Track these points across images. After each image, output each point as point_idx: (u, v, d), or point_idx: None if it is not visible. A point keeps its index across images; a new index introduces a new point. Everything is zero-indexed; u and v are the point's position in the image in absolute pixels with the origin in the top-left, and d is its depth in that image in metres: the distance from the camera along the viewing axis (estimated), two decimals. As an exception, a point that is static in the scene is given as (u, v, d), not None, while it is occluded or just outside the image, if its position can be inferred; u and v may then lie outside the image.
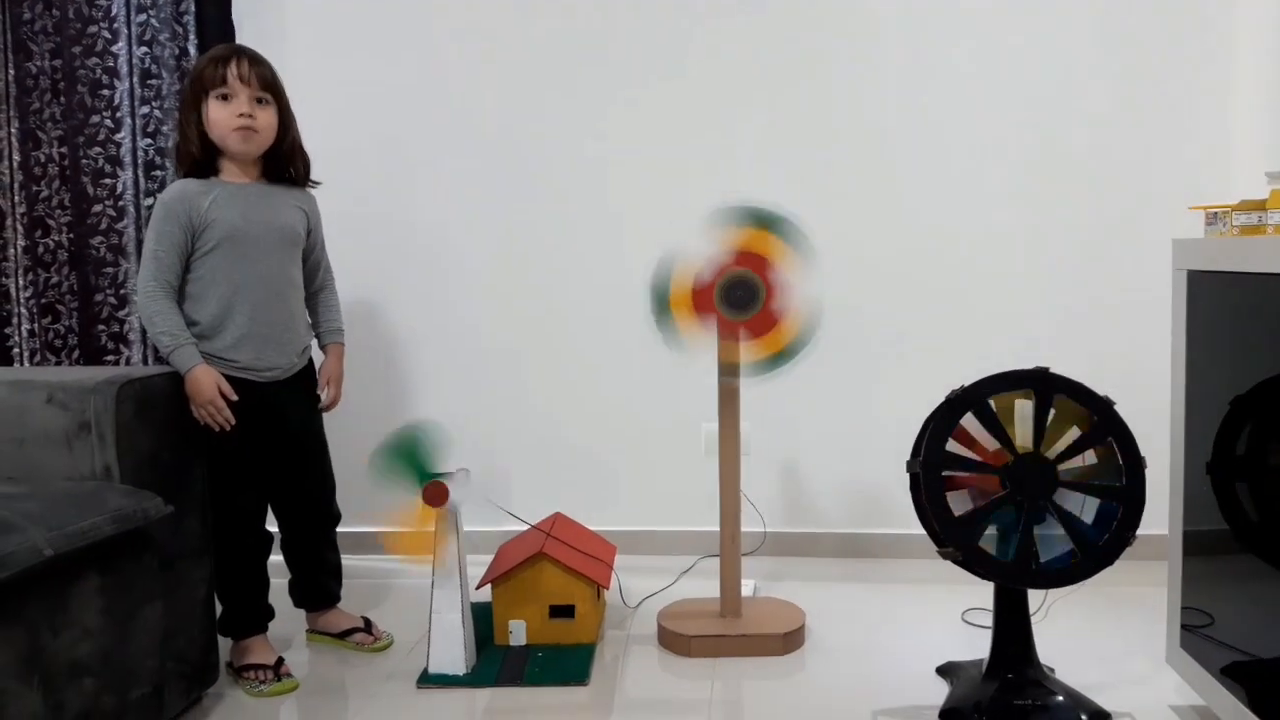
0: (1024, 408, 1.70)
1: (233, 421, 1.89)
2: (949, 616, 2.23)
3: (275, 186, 2.03)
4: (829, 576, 2.54)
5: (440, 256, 2.71)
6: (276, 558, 2.11)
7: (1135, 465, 1.67)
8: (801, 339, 2.04)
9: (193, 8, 2.54)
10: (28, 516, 1.43)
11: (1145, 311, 2.47)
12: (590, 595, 2.10)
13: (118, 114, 2.54)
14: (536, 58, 2.64)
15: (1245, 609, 1.52)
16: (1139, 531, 1.66)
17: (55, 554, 1.41)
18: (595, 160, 2.65)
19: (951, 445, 1.71)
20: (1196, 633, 1.66)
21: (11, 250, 2.57)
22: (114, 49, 2.53)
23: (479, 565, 2.17)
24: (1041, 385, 1.69)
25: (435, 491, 1.93)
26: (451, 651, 1.97)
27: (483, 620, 2.10)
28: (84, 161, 2.54)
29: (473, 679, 1.97)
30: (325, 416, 2.15)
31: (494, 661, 2.03)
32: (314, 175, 2.10)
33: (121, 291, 2.57)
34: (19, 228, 2.56)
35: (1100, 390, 1.70)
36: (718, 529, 2.15)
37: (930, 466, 1.69)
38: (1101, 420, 1.68)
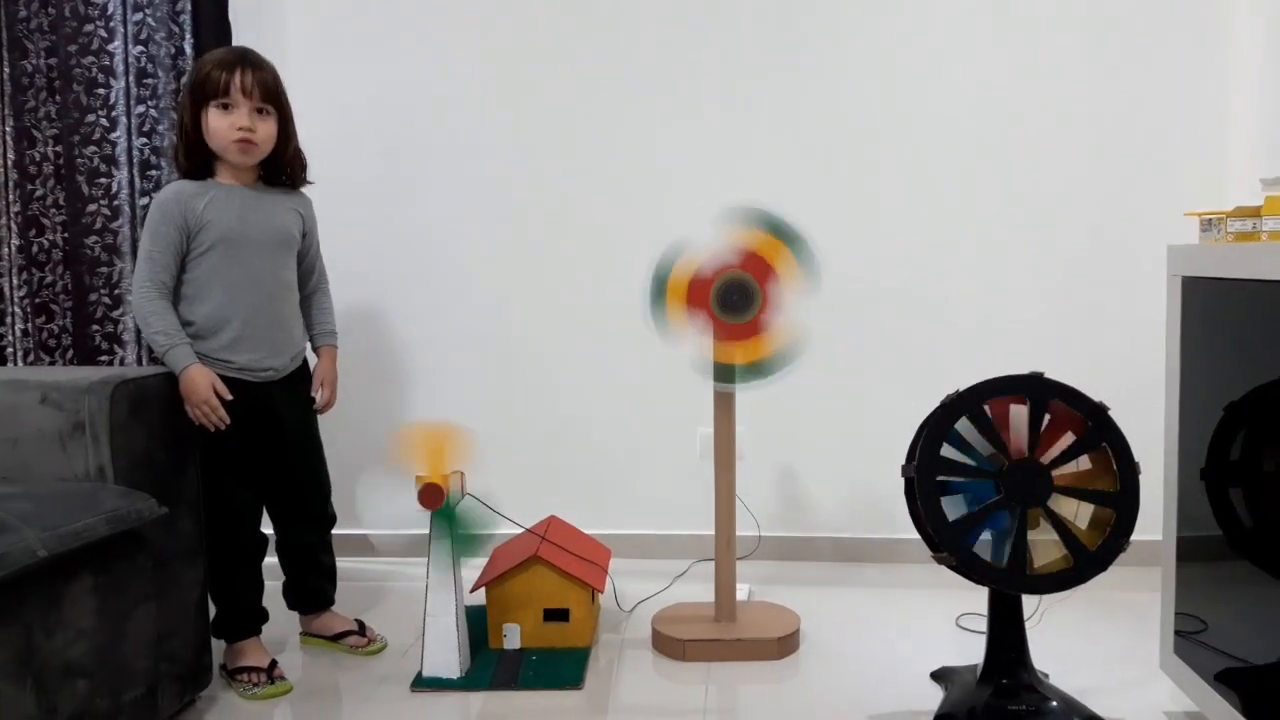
0: (1019, 413, 1.71)
1: (227, 421, 1.88)
2: (943, 621, 2.23)
3: (271, 189, 2.03)
4: (824, 581, 2.54)
5: (436, 260, 2.70)
6: (271, 559, 2.11)
7: (1129, 471, 1.67)
8: (783, 357, 2.04)
9: (189, 7, 2.53)
10: (21, 517, 1.42)
11: (1140, 317, 2.48)
12: (585, 599, 2.10)
13: (113, 113, 2.53)
14: (537, 58, 2.64)
15: (1239, 615, 1.53)
16: (1133, 537, 1.66)
17: (49, 555, 1.40)
18: (592, 165, 2.65)
19: (946, 450, 1.71)
20: (1190, 638, 1.66)
21: (6, 249, 2.56)
22: (110, 48, 2.52)
23: (473, 568, 2.16)
24: (1036, 390, 1.70)
25: (431, 493, 1.92)
26: (445, 655, 1.97)
27: (477, 624, 2.10)
28: (79, 160, 2.53)
29: (467, 682, 1.96)
30: (320, 419, 2.15)
31: (488, 665, 2.03)
32: (309, 175, 2.09)
33: (116, 291, 2.56)
34: (13, 226, 2.55)
35: (1095, 396, 1.70)
36: (712, 533, 2.15)
37: (925, 471, 1.70)
38: (1096, 426, 1.68)
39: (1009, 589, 1.72)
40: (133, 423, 1.70)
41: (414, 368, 2.74)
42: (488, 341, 2.72)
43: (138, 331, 2.53)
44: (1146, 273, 2.45)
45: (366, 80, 2.68)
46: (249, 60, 1.94)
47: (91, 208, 2.54)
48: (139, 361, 2.56)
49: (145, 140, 2.55)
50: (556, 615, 2.10)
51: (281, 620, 2.15)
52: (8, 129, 2.55)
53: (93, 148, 2.53)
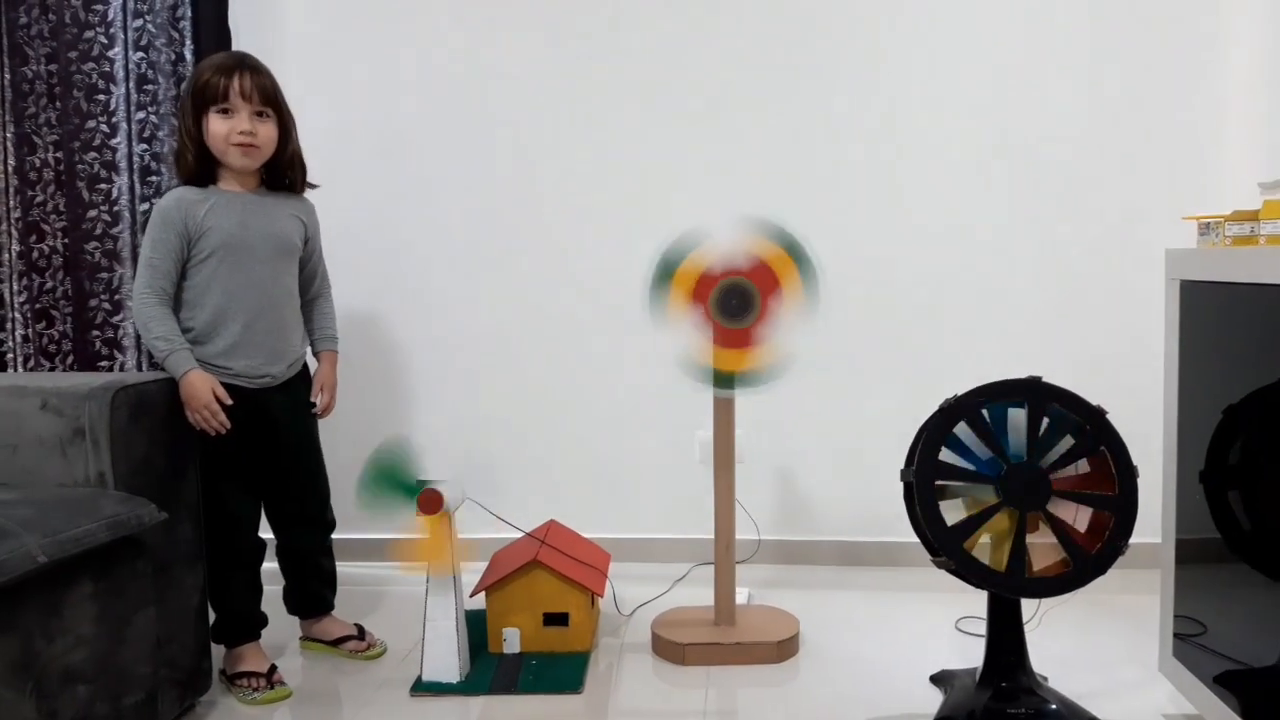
0: (1017, 417, 1.71)
1: (228, 426, 1.88)
2: (943, 625, 2.23)
3: (273, 195, 2.03)
4: (823, 584, 2.54)
5: (436, 264, 2.71)
6: (271, 564, 2.11)
7: (1128, 474, 1.67)
8: (765, 374, 2.04)
9: (189, 13, 2.54)
10: (21, 523, 1.42)
11: (1138, 321, 2.48)
12: (584, 603, 2.10)
13: (114, 119, 2.54)
14: (538, 63, 2.64)
15: (1238, 618, 1.53)
16: (1131, 540, 1.66)
17: (49, 560, 1.41)
18: (594, 169, 2.65)
19: (945, 454, 1.71)
20: (1189, 641, 1.66)
21: (6, 255, 2.57)
22: (110, 54, 2.53)
23: (473, 573, 2.16)
24: (1034, 394, 1.70)
25: (430, 499, 1.92)
26: (445, 659, 1.97)
27: (476, 628, 2.10)
28: (79, 166, 2.54)
29: (466, 687, 1.96)
30: (320, 424, 2.15)
31: (488, 669, 2.03)
32: (310, 179, 2.10)
33: (116, 297, 2.56)
34: (14, 232, 2.56)
35: (1093, 399, 1.70)
36: (712, 537, 2.16)
37: (924, 475, 1.70)
38: (1094, 429, 1.68)
39: (1008, 592, 1.73)
40: (133, 428, 1.70)
41: (414, 372, 2.74)
42: (487, 346, 2.72)
43: (138, 337, 2.53)
44: (1145, 276, 2.45)
45: (365, 85, 2.68)
46: (247, 64, 1.94)
47: (92, 213, 2.55)
48: (139, 367, 2.57)
49: (145, 146, 2.55)
50: (556, 619, 2.10)
51: (281, 625, 2.15)
52: (8, 135, 2.55)
53: (93, 153, 2.54)
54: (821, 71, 2.58)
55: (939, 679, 1.94)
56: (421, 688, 1.97)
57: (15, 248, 2.56)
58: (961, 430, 1.71)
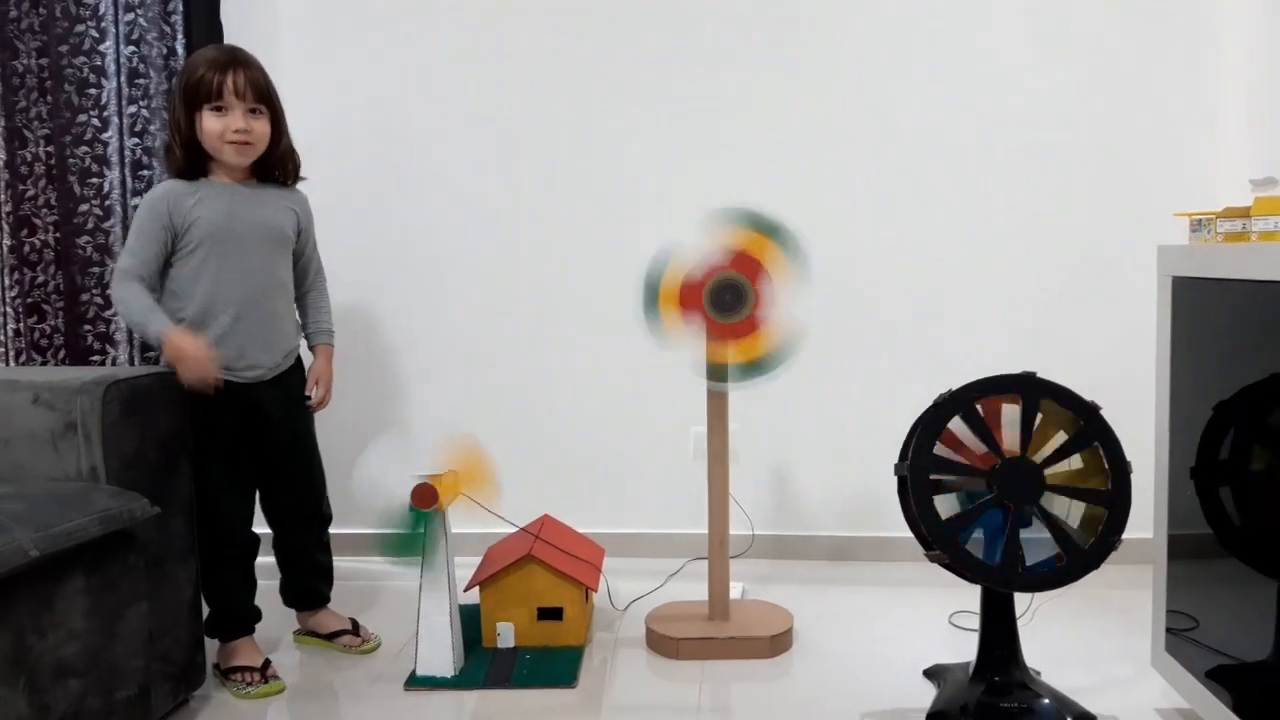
0: (1011, 412, 1.71)
1: (223, 381, 1.89)
2: (936, 619, 2.24)
3: (265, 186, 2.03)
4: (817, 579, 2.55)
5: (431, 258, 2.70)
6: (266, 559, 2.11)
7: (1121, 470, 1.68)
8: (781, 352, 2.04)
9: (181, 7, 2.53)
10: (13, 517, 1.42)
11: (1130, 317, 2.49)
12: (578, 598, 2.10)
13: (105, 113, 2.52)
14: (531, 56, 2.64)
15: (1230, 613, 1.54)
16: (1124, 535, 1.67)
17: (41, 555, 1.40)
18: (588, 164, 2.65)
19: (939, 449, 1.72)
20: (1181, 636, 1.67)
21: (-3, 249, 2.55)
22: (101, 48, 2.51)
23: (467, 567, 2.16)
24: (1028, 389, 1.70)
25: (424, 493, 1.92)
26: (439, 653, 1.97)
27: (471, 622, 2.10)
28: (70, 160, 2.53)
29: (460, 681, 1.97)
30: (316, 418, 2.14)
31: (482, 663, 2.03)
32: (303, 173, 2.09)
33: (108, 291, 2.55)
34: (4, 226, 2.54)
35: (1086, 395, 1.71)
36: (706, 532, 2.16)
37: (917, 470, 1.70)
38: (1087, 425, 1.69)
39: (1001, 587, 1.73)
40: (125, 423, 1.70)
41: (408, 366, 2.74)
42: (482, 340, 2.71)
43: (130, 331, 2.53)
44: (1137, 273, 2.45)
45: (358, 80, 2.67)
46: (240, 60, 1.94)
47: (83, 208, 2.54)
48: (131, 362, 2.56)
49: (137, 140, 2.54)
50: (550, 614, 2.10)
51: (276, 619, 2.15)
52: (-1, 129, 2.54)
53: (84, 148, 2.53)
54: (819, 70, 2.58)
55: (932, 673, 1.95)
56: (416, 682, 1.97)
57: (7, 242, 2.54)
58: (956, 425, 1.71)
